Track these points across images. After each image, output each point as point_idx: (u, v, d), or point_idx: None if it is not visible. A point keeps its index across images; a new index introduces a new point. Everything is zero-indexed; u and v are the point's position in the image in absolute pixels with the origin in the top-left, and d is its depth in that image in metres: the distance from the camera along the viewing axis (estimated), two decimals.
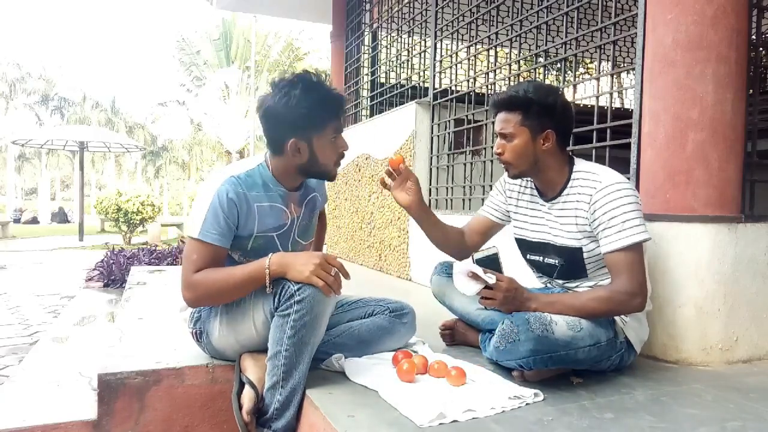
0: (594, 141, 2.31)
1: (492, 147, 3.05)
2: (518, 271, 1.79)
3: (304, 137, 1.56)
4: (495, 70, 3.21)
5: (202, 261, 1.51)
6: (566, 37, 2.51)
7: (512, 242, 1.90)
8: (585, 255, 1.66)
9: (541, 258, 1.79)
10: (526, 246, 1.85)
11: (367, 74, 5.24)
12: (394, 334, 1.82)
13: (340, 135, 1.63)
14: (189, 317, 1.72)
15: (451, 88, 3.62)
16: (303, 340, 1.47)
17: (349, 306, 1.87)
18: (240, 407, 1.52)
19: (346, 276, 1.52)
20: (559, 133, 1.65)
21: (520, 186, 1.85)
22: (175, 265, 5.04)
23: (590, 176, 1.63)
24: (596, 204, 1.57)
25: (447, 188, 3.50)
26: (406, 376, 1.55)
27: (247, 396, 1.53)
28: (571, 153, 1.76)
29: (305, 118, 1.52)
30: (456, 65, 4.03)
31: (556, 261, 1.74)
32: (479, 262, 1.57)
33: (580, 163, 1.69)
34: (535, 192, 1.80)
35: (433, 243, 1.97)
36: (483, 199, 3.04)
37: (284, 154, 1.59)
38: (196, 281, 1.51)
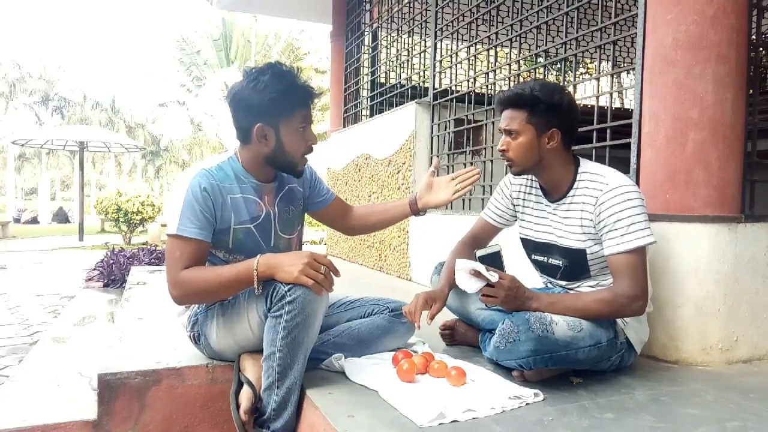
0: (594, 141, 2.31)
1: (492, 147, 3.06)
2: (520, 270, 1.79)
3: (270, 123, 1.55)
4: (495, 70, 3.20)
5: (186, 257, 1.49)
6: (566, 37, 2.51)
7: (515, 241, 1.90)
8: (588, 257, 1.65)
9: (546, 258, 1.79)
10: (531, 246, 1.84)
11: (367, 74, 5.23)
12: (393, 333, 1.82)
13: (309, 127, 1.61)
14: (187, 321, 1.72)
15: (451, 88, 3.62)
16: (296, 341, 1.46)
17: (348, 306, 1.87)
18: (238, 407, 1.52)
19: (336, 273, 1.50)
20: (564, 132, 1.64)
21: (526, 186, 1.85)
22: None
23: (597, 178, 1.62)
24: (602, 206, 1.57)
25: None
26: (406, 376, 1.55)
27: (245, 395, 1.53)
28: (574, 153, 1.76)
29: (272, 103, 1.52)
30: (456, 65, 4.03)
31: (560, 262, 1.74)
32: (482, 259, 1.56)
33: (585, 164, 1.69)
34: (540, 192, 1.79)
35: None
36: (483, 199, 3.05)
37: (251, 141, 1.58)
38: (183, 279, 1.48)
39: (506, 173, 1.91)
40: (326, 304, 1.53)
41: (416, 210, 1.87)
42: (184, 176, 1.57)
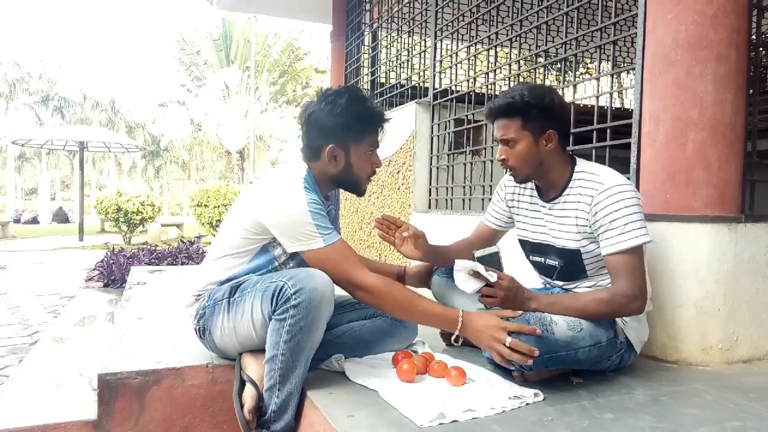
0: (594, 141, 2.30)
1: (492, 146, 3.06)
2: (520, 270, 1.79)
3: (342, 145, 1.62)
4: (495, 70, 3.20)
5: (355, 259, 1.55)
6: (566, 37, 2.51)
7: (515, 242, 1.90)
8: (584, 256, 1.65)
9: (543, 259, 1.79)
10: (527, 247, 1.85)
11: (367, 74, 5.23)
12: (395, 336, 1.82)
13: (375, 151, 1.68)
14: (194, 313, 1.72)
15: (451, 88, 3.62)
16: (300, 345, 1.47)
17: (350, 307, 1.87)
18: (241, 406, 1.52)
19: (531, 353, 1.40)
20: (560, 132, 1.65)
21: (520, 187, 1.85)
22: (175, 265, 5.04)
23: (592, 177, 1.62)
24: (598, 205, 1.57)
25: (447, 188, 3.50)
26: (406, 376, 1.55)
27: (249, 394, 1.53)
28: (571, 153, 1.76)
29: (347, 126, 1.59)
30: (456, 65, 4.03)
31: (557, 262, 1.73)
32: (480, 260, 1.56)
33: (582, 164, 1.69)
34: (534, 192, 1.79)
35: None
36: (483, 199, 3.05)
37: (320, 160, 1.64)
38: (386, 288, 1.52)
39: (506, 173, 1.91)
40: (330, 310, 1.53)
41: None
42: (287, 191, 1.56)
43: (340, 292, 1.58)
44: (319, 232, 1.51)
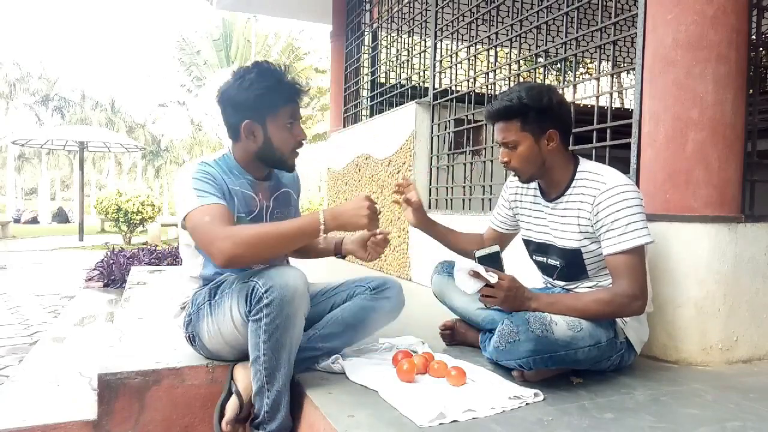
0: (594, 141, 2.31)
1: (492, 146, 3.06)
2: (520, 270, 1.79)
3: (258, 119, 1.58)
4: (495, 70, 3.21)
5: (219, 218, 1.45)
6: (566, 37, 2.51)
7: (518, 241, 1.90)
8: (585, 256, 1.65)
9: (545, 259, 1.79)
10: (531, 247, 1.85)
11: (367, 74, 5.23)
12: (378, 311, 1.76)
13: (297, 122, 1.63)
14: (182, 322, 1.72)
15: (451, 88, 3.63)
16: (279, 343, 1.44)
17: (332, 291, 1.83)
18: (222, 417, 1.53)
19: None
20: (561, 131, 1.64)
21: (522, 187, 1.85)
22: (175, 265, 5.04)
23: (595, 177, 1.62)
24: (600, 205, 1.57)
25: (447, 188, 3.50)
26: (406, 376, 1.55)
27: (231, 405, 1.55)
28: (573, 153, 1.76)
29: (258, 100, 1.55)
30: (456, 65, 4.03)
31: (558, 262, 1.74)
32: (480, 260, 1.56)
33: (584, 163, 1.69)
34: (537, 192, 1.79)
35: (453, 251, 2.00)
36: (483, 200, 3.05)
37: (240, 138, 1.61)
38: (233, 231, 1.42)
39: (506, 173, 1.91)
40: (306, 304, 1.48)
41: (338, 252, 1.88)
42: (184, 170, 1.58)
43: (316, 280, 1.55)
44: (197, 194, 1.48)
